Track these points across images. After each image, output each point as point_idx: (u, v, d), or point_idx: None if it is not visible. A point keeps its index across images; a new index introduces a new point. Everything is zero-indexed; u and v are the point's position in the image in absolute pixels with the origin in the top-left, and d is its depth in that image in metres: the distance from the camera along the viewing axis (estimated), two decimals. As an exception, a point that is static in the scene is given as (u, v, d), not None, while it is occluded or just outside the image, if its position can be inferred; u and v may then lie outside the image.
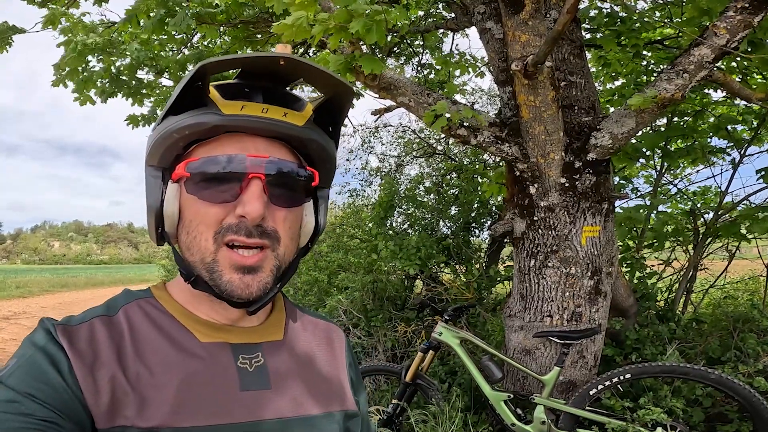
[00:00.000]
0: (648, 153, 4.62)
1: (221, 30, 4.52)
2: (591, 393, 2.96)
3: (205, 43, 5.34)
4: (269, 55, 0.70)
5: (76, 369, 0.65)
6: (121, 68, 4.63)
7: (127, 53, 4.36)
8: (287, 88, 0.78)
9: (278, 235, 0.74)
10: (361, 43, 2.98)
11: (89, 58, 4.50)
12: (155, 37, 4.43)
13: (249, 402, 0.72)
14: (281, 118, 0.72)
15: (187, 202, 0.74)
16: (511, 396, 3.13)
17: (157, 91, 5.02)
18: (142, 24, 4.14)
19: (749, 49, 3.23)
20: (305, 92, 4.99)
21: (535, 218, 3.29)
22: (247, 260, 0.71)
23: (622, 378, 2.92)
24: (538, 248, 3.29)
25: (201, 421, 0.67)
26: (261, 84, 0.74)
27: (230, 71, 0.77)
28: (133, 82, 4.70)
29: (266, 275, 0.73)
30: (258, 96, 0.73)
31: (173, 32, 4.41)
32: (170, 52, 4.99)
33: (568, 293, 3.22)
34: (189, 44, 5.21)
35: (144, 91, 4.90)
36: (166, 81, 4.97)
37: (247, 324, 0.80)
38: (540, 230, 3.28)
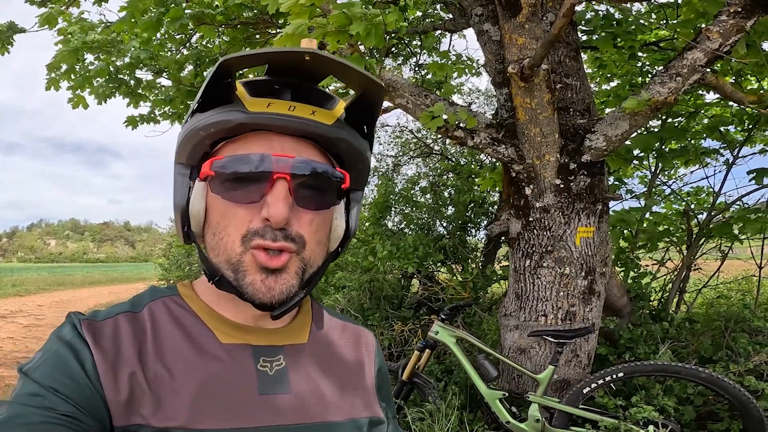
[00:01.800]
0: (642, 154, 4.66)
1: (220, 30, 4.53)
2: (584, 391, 3.01)
3: (204, 43, 5.36)
4: (294, 50, 0.67)
5: (99, 365, 0.65)
6: (120, 67, 4.64)
7: (126, 53, 4.37)
8: (318, 86, 0.75)
9: (303, 240, 0.71)
10: (359, 44, 3.01)
11: (87, 56, 4.51)
12: (154, 37, 4.44)
13: (267, 406, 0.70)
14: (309, 117, 0.70)
15: (213, 202, 0.72)
16: (506, 394, 3.16)
17: (156, 91, 5.04)
18: (136, 22, 4.14)
19: (746, 50, 3.27)
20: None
21: (531, 219, 3.33)
22: (273, 262, 0.68)
23: (615, 377, 2.96)
24: (534, 248, 3.33)
25: (217, 424, 0.66)
26: (290, 81, 0.72)
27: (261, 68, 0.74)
28: (132, 81, 4.71)
29: (290, 277, 0.70)
30: (286, 93, 0.71)
31: (172, 32, 4.43)
32: (169, 52, 5.00)
33: (562, 293, 3.26)
34: (188, 44, 5.23)
35: (142, 92, 4.90)
36: (164, 81, 4.99)
37: (271, 326, 0.78)
38: (535, 231, 3.32)
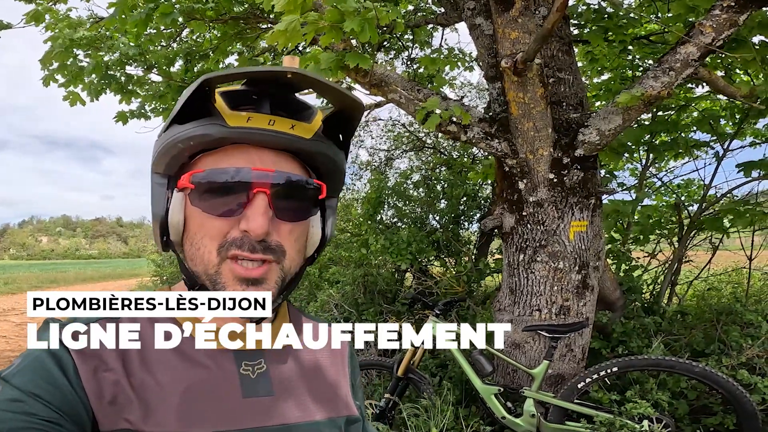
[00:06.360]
0: (633, 147, 4.68)
1: (211, 25, 4.49)
2: (579, 386, 3.02)
3: (194, 37, 5.30)
4: (276, 69, 0.68)
5: (81, 370, 0.65)
6: (110, 63, 4.59)
7: (116, 49, 4.32)
8: (296, 95, 0.76)
9: (283, 249, 0.72)
10: (351, 38, 2.99)
11: (77, 53, 4.46)
12: (143, 33, 4.39)
13: (252, 409, 0.71)
14: (288, 131, 0.70)
15: (192, 214, 0.73)
16: (502, 389, 3.17)
17: (146, 87, 4.98)
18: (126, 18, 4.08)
19: (734, 45, 3.27)
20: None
21: (524, 213, 3.32)
22: (252, 272, 0.70)
23: (609, 371, 2.97)
24: (527, 243, 3.33)
25: (204, 428, 0.67)
26: (269, 91, 0.72)
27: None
28: (123, 77, 4.66)
29: (270, 287, 0.72)
30: (265, 105, 0.71)
31: (161, 27, 4.37)
32: (159, 47, 4.94)
33: (556, 287, 3.27)
34: (178, 38, 5.17)
35: (132, 87, 4.85)
36: (155, 77, 4.93)
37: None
38: (529, 225, 3.32)
